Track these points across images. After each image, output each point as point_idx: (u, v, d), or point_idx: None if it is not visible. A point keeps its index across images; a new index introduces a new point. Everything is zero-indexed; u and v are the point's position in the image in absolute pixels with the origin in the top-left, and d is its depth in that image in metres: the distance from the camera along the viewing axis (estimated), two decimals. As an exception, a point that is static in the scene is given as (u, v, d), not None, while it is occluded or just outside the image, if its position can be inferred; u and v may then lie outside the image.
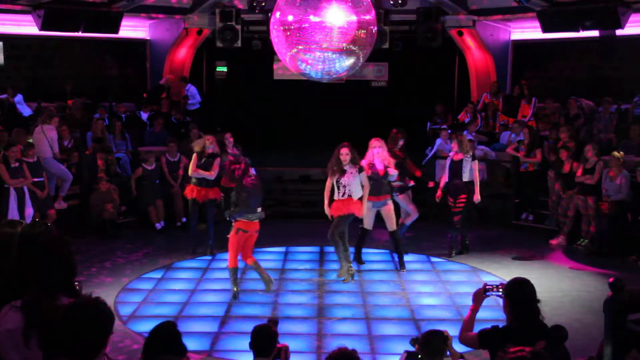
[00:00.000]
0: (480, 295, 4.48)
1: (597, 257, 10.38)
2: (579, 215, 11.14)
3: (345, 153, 8.86)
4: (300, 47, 8.16)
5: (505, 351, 4.08)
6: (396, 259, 9.83)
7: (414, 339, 4.30)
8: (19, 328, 3.21)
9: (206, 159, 10.12)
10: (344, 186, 8.88)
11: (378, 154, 9.34)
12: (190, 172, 10.20)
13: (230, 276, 8.47)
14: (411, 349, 4.21)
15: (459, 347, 4.51)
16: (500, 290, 4.32)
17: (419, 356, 4.02)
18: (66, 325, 2.80)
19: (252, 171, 8.37)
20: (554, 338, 4.47)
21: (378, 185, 9.29)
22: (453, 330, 4.63)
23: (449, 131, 13.19)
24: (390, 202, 9.54)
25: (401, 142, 10.23)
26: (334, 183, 8.96)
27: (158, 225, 11.94)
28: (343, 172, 8.87)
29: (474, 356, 5.65)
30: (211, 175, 10.07)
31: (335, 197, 8.99)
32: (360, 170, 8.93)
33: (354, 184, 8.89)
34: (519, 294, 4.24)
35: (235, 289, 8.47)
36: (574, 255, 10.65)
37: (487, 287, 4.45)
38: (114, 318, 2.96)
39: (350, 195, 8.89)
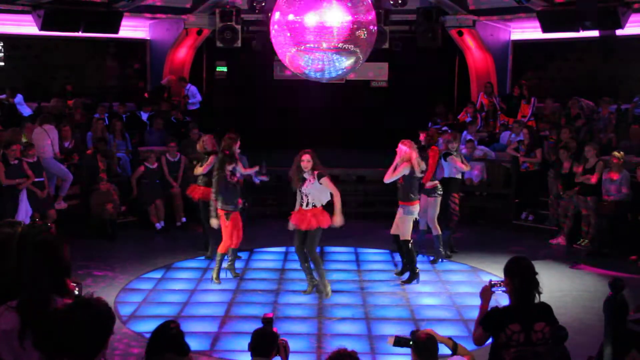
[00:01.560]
0: (487, 292, 4.53)
1: (597, 257, 10.39)
2: (579, 215, 11.14)
3: (306, 160, 8.33)
4: (300, 47, 8.15)
5: (506, 332, 4.15)
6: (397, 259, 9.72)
7: (413, 331, 4.32)
8: (15, 329, 3.21)
9: (202, 157, 10.22)
10: (306, 195, 8.39)
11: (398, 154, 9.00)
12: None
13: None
14: (400, 333, 4.22)
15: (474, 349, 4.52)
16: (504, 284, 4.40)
17: (410, 342, 4.03)
18: (67, 324, 2.81)
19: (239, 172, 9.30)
20: (554, 338, 4.48)
21: (399, 189, 9.08)
22: (453, 330, 4.63)
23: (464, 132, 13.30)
24: (399, 210, 9.05)
25: (422, 137, 9.98)
26: (297, 192, 8.51)
27: (158, 225, 11.94)
28: (303, 181, 8.38)
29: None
30: (202, 170, 10.02)
31: (298, 206, 8.51)
32: (320, 176, 8.33)
33: (315, 192, 8.36)
34: (515, 268, 4.38)
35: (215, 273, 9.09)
36: (574, 255, 10.65)
37: (492, 283, 4.49)
38: (115, 318, 2.96)
39: (314, 205, 8.38)
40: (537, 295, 4.35)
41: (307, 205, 8.41)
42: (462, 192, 10.93)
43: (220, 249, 9.05)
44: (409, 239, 9.04)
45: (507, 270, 4.42)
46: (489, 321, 4.39)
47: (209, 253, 10.12)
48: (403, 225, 9.03)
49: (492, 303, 4.65)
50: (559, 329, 4.50)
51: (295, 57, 8.28)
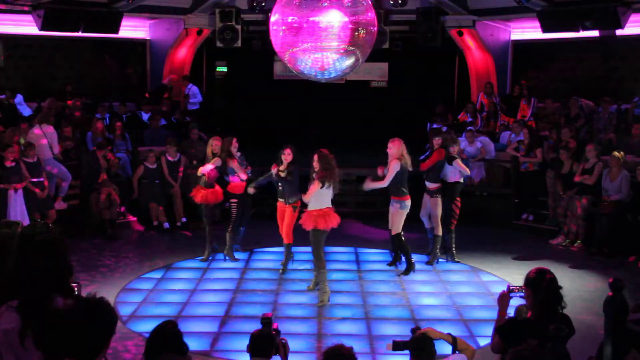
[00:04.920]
0: (505, 298, 4.46)
1: (597, 257, 10.39)
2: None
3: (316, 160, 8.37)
4: (297, 47, 8.15)
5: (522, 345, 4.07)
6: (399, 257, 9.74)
7: (413, 329, 4.32)
8: (15, 328, 3.21)
9: (208, 159, 10.16)
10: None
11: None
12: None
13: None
14: (399, 334, 4.22)
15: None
16: (524, 290, 4.34)
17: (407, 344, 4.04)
18: (71, 324, 2.81)
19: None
20: (555, 338, 4.48)
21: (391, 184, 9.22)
22: (453, 331, 4.63)
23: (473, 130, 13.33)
24: (394, 204, 9.23)
25: (436, 141, 10.10)
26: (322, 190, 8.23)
27: (166, 225, 11.94)
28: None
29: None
30: (201, 170, 9.92)
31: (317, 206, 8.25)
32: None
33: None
34: (538, 281, 4.28)
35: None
36: (574, 255, 10.65)
37: (510, 288, 4.45)
38: (118, 318, 2.96)
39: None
40: (560, 309, 4.27)
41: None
42: (462, 192, 10.93)
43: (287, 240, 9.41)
44: (401, 232, 9.23)
45: (529, 283, 4.29)
46: (506, 332, 4.29)
47: (204, 257, 10.11)
48: (397, 219, 9.23)
49: (492, 302, 4.63)
50: (559, 329, 4.49)
51: (294, 57, 8.28)
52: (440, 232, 9.95)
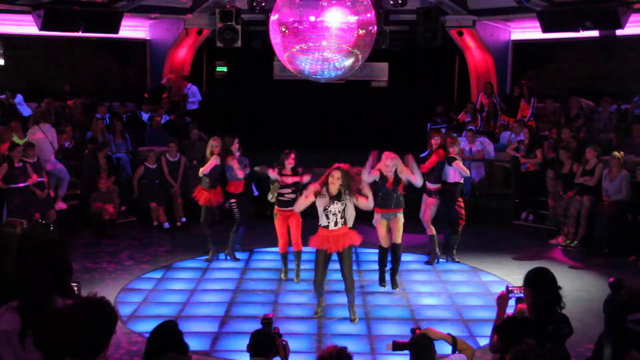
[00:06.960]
0: (504, 299, 4.47)
1: (597, 257, 10.39)
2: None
3: (337, 177, 7.45)
4: (297, 48, 8.14)
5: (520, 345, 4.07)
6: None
7: (413, 329, 4.33)
8: (16, 329, 3.22)
9: (207, 159, 10.13)
10: (334, 214, 7.57)
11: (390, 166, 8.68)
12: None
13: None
14: (399, 334, 4.23)
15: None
16: (523, 291, 4.35)
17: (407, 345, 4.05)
18: (71, 323, 2.81)
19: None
20: (554, 338, 4.48)
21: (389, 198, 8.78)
22: (453, 331, 4.63)
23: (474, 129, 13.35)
24: (400, 215, 8.85)
25: (435, 141, 10.08)
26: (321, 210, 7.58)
27: (166, 225, 11.94)
28: (334, 199, 7.51)
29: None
30: (203, 171, 9.90)
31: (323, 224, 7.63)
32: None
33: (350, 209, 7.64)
34: (537, 281, 4.28)
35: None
36: (574, 255, 10.65)
37: (509, 289, 4.46)
38: (118, 318, 2.97)
39: (344, 224, 7.63)
40: (559, 309, 4.29)
41: (335, 224, 7.60)
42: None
43: (280, 249, 9.36)
44: (382, 245, 8.89)
45: (528, 282, 4.30)
46: (505, 331, 4.30)
47: (209, 257, 10.11)
48: (377, 231, 8.94)
49: (493, 302, 4.63)
50: (559, 329, 4.49)
51: (293, 57, 8.27)
52: (434, 232, 9.90)
